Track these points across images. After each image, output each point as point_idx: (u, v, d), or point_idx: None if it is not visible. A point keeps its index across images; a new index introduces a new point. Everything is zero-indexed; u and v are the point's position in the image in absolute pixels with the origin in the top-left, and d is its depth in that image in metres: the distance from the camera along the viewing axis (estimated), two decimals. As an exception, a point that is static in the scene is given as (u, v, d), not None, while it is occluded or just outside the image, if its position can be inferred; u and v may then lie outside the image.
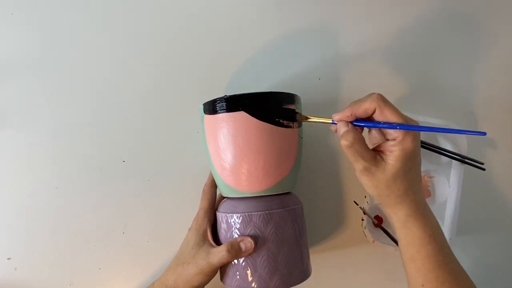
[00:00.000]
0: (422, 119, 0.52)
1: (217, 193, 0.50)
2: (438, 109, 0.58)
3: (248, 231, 0.42)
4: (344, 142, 0.38)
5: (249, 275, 0.41)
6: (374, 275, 0.56)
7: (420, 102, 0.58)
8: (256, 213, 0.42)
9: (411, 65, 0.58)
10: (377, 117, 0.38)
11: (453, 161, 0.54)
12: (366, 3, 0.57)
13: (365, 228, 0.55)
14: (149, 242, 0.51)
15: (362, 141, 0.38)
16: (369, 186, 0.39)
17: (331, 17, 0.56)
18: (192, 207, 0.48)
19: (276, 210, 0.42)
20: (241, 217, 0.42)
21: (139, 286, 0.51)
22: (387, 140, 0.38)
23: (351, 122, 0.39)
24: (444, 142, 0.56)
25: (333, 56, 0.56)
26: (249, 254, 0.41)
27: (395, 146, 0.37)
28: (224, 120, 0.42)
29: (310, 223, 0.52)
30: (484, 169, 0.53)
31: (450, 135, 0.55)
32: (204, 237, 0.45)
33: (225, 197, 0.47)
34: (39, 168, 0.50)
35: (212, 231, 0.46)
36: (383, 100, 0.37)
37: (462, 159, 0.53)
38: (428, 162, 0.55)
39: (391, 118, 0.37)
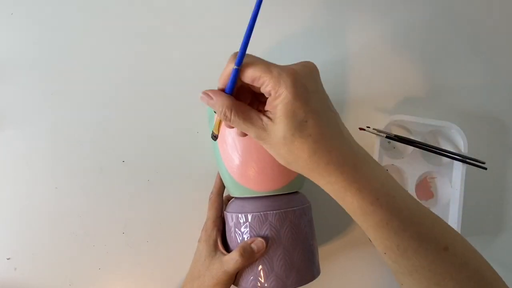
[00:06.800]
0: (422, 121, 0.52)
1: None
2: (438, 109, 0.58)
3: (264, 230, 0.41)
4: (218, 114, 0.32)
5: (266, 274, 0.41)
6: (380, 274, 0.56)
7: (421, 102, 0.58)
8: (272, 212, 0.41)
9: (412, 65, 0.58)
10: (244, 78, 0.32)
11: (454, 161, 0.54)
12: (367, 4, 0.57)
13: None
14: (149, 242, 0.51)
15: (237, 104, 0.32)
16: (277, 156, 0.33)
17: (331, 17, 0.56)
18: (192, 207, 0.48)
19: (291, 209, 0.42)
20: (256, 217, 0.41)
21: (138, 286, 0.51)
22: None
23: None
24: (444, 142, 0.56)
25: (334, 56, 0.56)
26: (262, 254, 0.41)
27: (275, 100, 0.31)
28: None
29: (316, 223, 0.52)
30: (485, 168, 0.53)
31: (450, 135, 0.55)
32: (215, 247, 0.43)
33: (233, 197, 0.46)
34: (39, 168, 0.50)
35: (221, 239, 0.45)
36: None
37: (463, 159, 0.53)
38: (429, 163, 0.55)
39: (254, 74, 0.31)
